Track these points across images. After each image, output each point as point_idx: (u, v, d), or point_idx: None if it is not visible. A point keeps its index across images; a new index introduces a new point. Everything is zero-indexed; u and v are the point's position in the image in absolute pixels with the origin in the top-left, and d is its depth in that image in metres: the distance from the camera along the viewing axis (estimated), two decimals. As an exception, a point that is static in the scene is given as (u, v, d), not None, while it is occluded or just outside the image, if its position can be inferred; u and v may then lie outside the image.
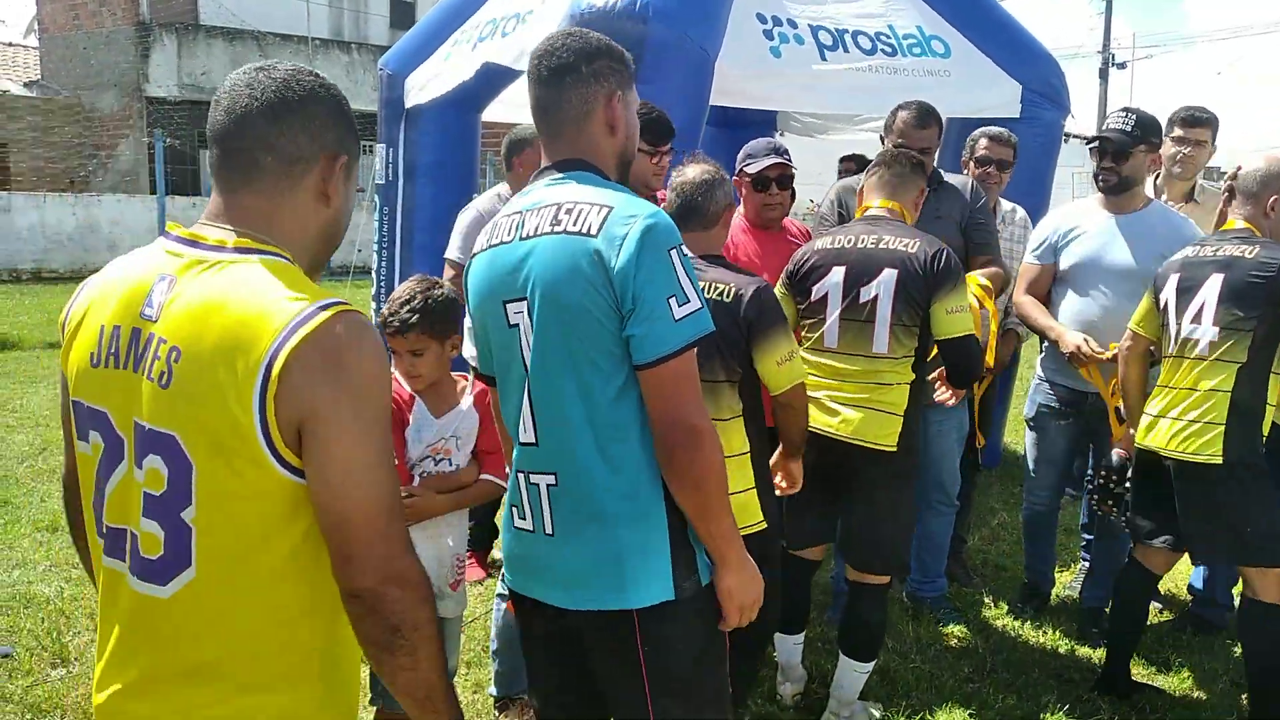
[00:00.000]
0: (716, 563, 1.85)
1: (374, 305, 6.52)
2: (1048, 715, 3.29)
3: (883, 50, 5.07)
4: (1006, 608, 4.09)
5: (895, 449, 3.00)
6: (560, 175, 1.85)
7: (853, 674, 3.14)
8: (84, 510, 1.43)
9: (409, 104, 6.20)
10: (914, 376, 3.03)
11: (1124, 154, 3.63)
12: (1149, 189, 3.99)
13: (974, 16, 5.31)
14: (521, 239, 1.80)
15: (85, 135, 19.78)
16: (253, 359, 1.24)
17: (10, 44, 23.25)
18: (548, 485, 1.83)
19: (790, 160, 3.49)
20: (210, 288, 1.29)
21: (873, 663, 3.17)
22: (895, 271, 2.97)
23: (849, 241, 3.09)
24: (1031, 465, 4.00)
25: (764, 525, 2.64)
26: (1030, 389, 4.01)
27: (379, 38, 22.40)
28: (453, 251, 4.10)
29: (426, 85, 5.88)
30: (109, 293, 1.38)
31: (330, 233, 1.45)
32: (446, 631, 2.61)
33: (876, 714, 3.25)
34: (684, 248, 1.76)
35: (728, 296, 2.58)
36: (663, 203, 2.75)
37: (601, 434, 1.77)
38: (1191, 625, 3.93)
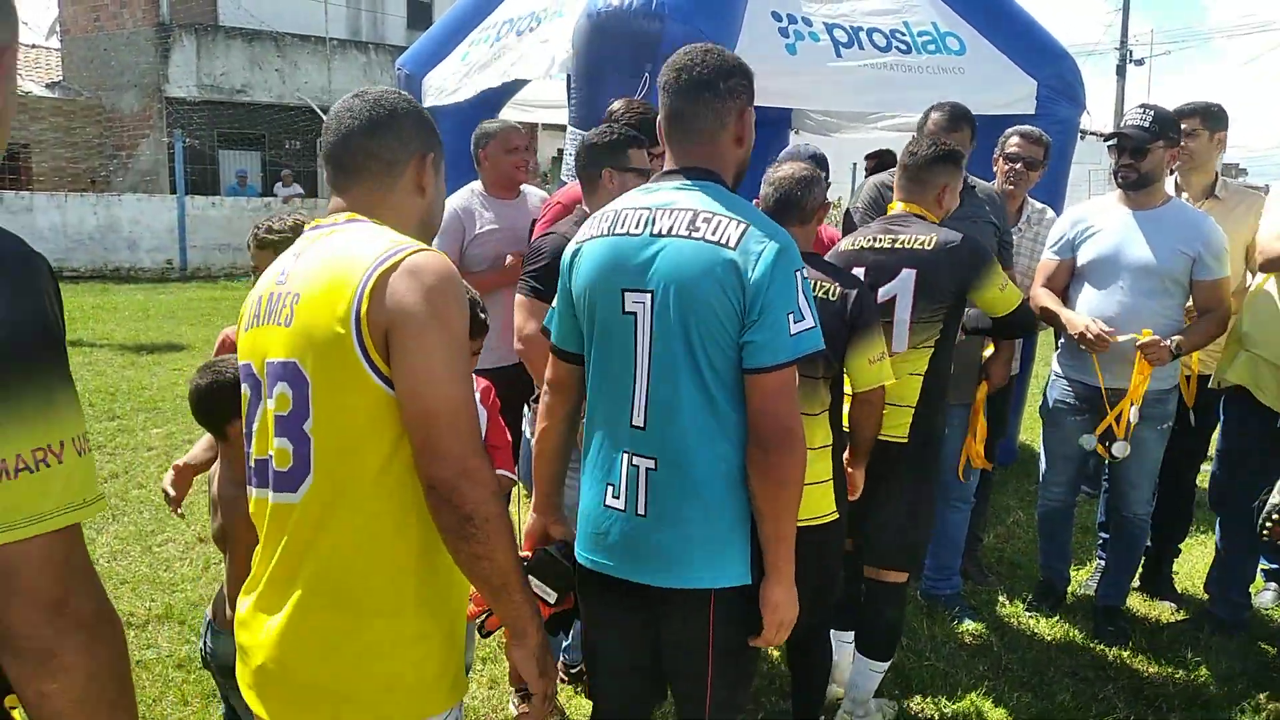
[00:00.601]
0: (769, 571, 1.96)
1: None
2: (1063, 714, 3.28)
3: (898, 47, 5.06)
4: (1022, 605, 4.08)
5: (906, 440, 3.01)
6: (689, 182, 2.00)
7: (869, 673, 3.13)
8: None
9: (427, 104, 6.23)
10: (927, 367, 3.04)
11: (1142, 150, 3.61)
12: (1169, 188, 3.98)
13: (989, 13, 5.29)
14: (652, 235, 1.95)
15: (106, 135, 19.95)
16: (352, 283, 1.47)
17: (33, 46, 23.47)
18: (648, 469, 1.96)
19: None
20: (324, 246, 1.58)
21: (889, 661, 3.16)
22: (914, 271, 3.02)
23: (868, 242, 3.13)
24: (1046, 461, 3.98)
25: (836, 516, 2.70)
26: (1047, 384, 3.99)
27: (396, 38, 22.48)
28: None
29: (458, 89, 5.90)
30: (269, 276, 1.66)
31: (427, 218, 1.71)
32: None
33: (891, 712, 3.25)
34: (805, 270, 1.94)
35: (833, 296, 2.72)
36: None
37: (706, 427, 1.92)
38: (1209, 625, 3.91)
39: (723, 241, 1.89)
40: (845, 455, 2.87)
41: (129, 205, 16.37)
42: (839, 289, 2.73)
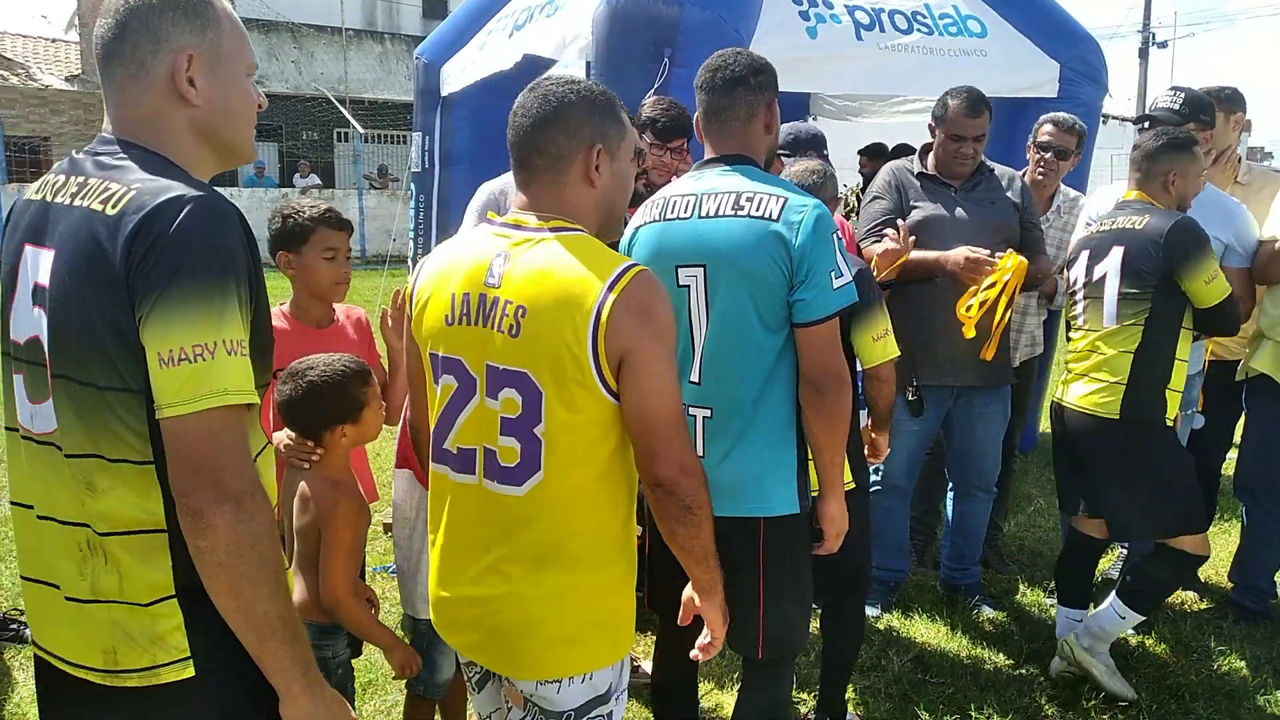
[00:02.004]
0: (824, 491, 2.34)
1: (410, 293, 6.57)
2: (1086, 703, 3.26)
3: (919, 29, 5.01)
4: (1043, 594, 4.06)
5: (1118, 417, 3.15)
6: (728, 167, 2.30)
7: (1116, 616, 3.27)
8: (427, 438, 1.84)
9: (445, 93, 6.23)
10: (1138, 345, 3.14)
11: None
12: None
13: (1010, -6, 5.25)
14: (700, 217, 2.25)
15: (125, 127, 20.04)
16: (585, 310, 1.61)
17: (53, 40, 23.60)
18: (704, 418, 2.27)
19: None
20: (538, 258, 1.67)
21: (1140, 617, 3.32)
22: (1122, 248, 3.19)
23: (1097, 227, 3.34)
24: None
25: (854, 486, 2.83)
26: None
27: (411, 28, 22.49)
28: (467, 225, 4.14)
29: (465, 70, 5.90)
30: (453, 269, 1.76)
31: (604, 205, 1.79)
32: None
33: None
34: (838, 232, 2.22)
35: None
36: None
37: (758, 377, 2.23)
38: (1233, 613, 3.87)
39: (766, 215, 2.18)
40: (865, 424, 3.07)
41: (148, 196, 16.42)
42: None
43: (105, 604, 1.38)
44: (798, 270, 2.16)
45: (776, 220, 2.16)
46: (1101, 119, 5.78)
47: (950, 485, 4.05)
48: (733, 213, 2.20)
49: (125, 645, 1.38)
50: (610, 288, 1.61)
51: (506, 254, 1.70)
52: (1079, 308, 3.32)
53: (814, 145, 3.57)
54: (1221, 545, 4.55)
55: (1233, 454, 4.18)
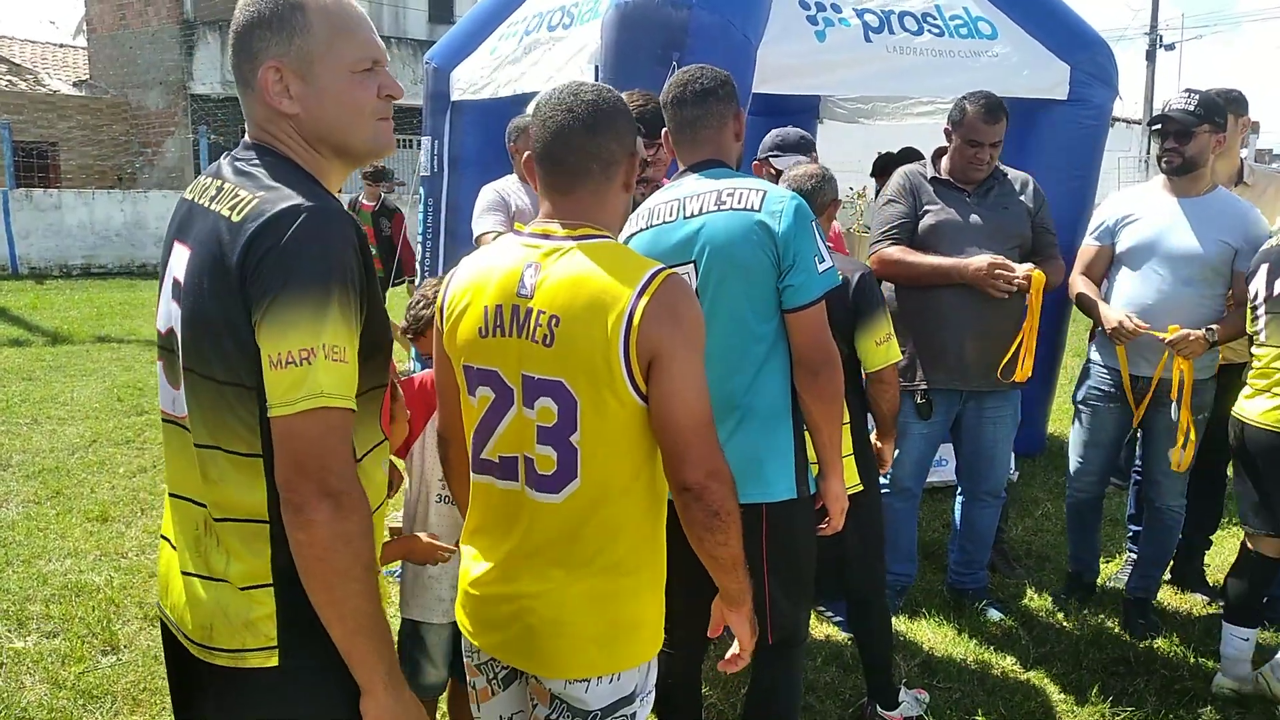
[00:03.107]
0: (825, 471, 2.42)
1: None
2: (1093, 707, 3.25)
3: (930, 31, 5.00)
4: (1050, 599, 4.04)
5: None
6: (705, 172, 2.40)
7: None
8: (461, 450, 1.89)
9: (454, 98, 6.24)
10: None
11: (1187, 134, 3.55)
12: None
13: (1020, -3, 5.24)
14: (685, 218, 2.34)
15: (132, 133, 20.12)
16: (617, 314, 1.63)
17: (61, 45, 23.71)
18: None
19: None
20: (570, 267, 1.68)
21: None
22: None
23: (1278, 241, 3.29)
24: (1079, 450, 3.92)
25: (861, 487, 2.88)
26: (1081, 371, 3.94)
27: (417, 32, 22.53)
28: (480, 226, 4.15)
29: (487, 84, 5.89)
30: (484, 281, 1.77)
31: (626, 209, 1.86)
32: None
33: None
34: (816, 220, 2.34)
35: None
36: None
37: (752, 365, 2.30)
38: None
39: (749, 207, 2.28)
40: (872, 436, 3.11)
41: (155, 202, 16.49)
42: (841, 274, 2.81)
43: (212, 582, 1.47)
44: (784, 257, 2.25)
45: (759, 211, 2.27)
46: (1109, 122, 5.76)
47: (958, 490, 4.05)
48: (716, 208, 2.31)
49: (221, 624, 1.46)
50: (641, 291, 1.63)
51: (537, 264, 1.71)
52: (1260, 323, 3.25)
53: (801, 148, 3.55)
54: (1230, 550, 4.53)
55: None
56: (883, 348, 2.90)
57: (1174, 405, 3.53)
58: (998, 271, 3.50)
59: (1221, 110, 3.64)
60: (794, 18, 4.78)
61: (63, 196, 16.12)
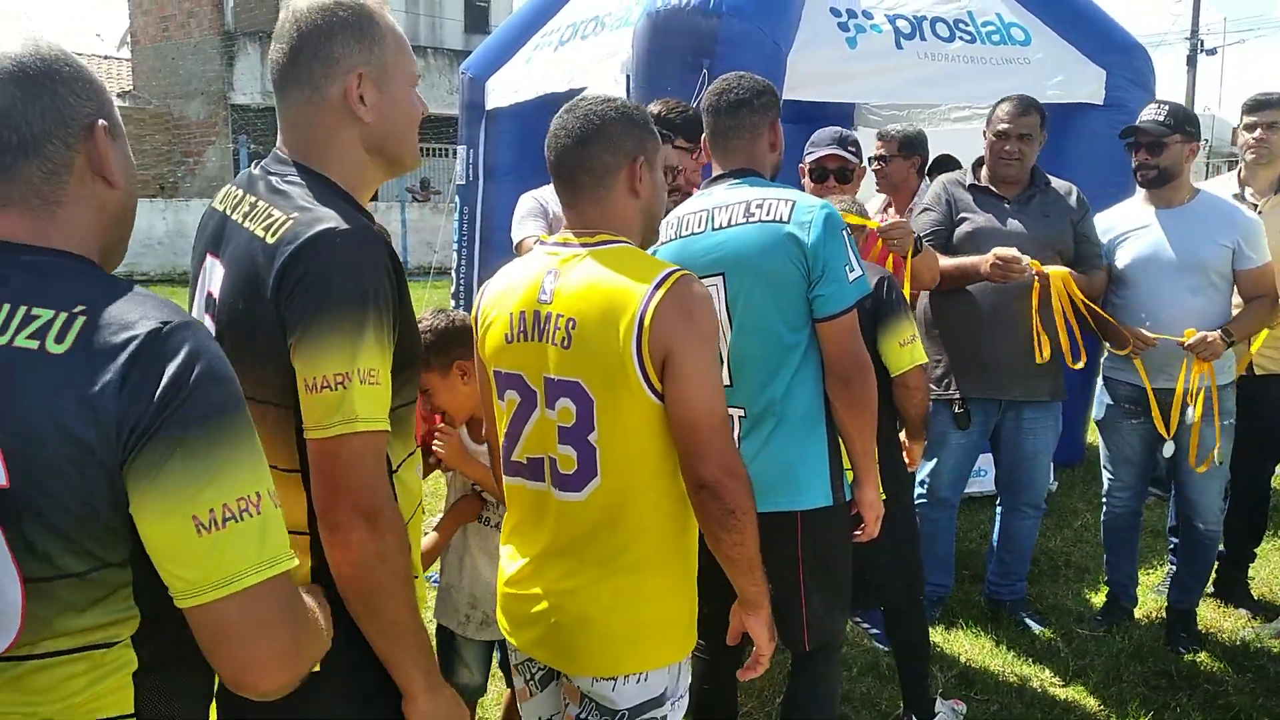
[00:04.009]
0: (860, 478, 2.42)
1: (452, 304, 6.63)
2: (1135, 721, 3.20)
3: (962, 37, 4.97)
4: (1090, 611, 3.98)
5: None
6: (736, 180, 2.41)
7: None
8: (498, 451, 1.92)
9: (490, 106, 6.29)
10: None
11: (1159, 145, 3.54)
12: (1233, 184, 3.91)
13: (1054, 2, 5.19)
14: (714, 229, 2.34)
15: (174, 142, 20.47)
16: (630, 314, 1.67)
17: (105, 57, 24.18)
18: (739, 417, 2.34)
19: (856, 153, 3.46)
20: (586, 272, 1.75)
21: None
22: None
23: None
24: (1109, 467, 3.87)
25: (884, 497, 2.80)
26: (1097, 390, 3.89)
27: (454, 42, 22.74)
28: (520, 232, 4.17)
29: (518, 89, 5.95)
30: (511, 289, 1.84)
31: (646, 214, 1.87)
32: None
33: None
34: (847, 229, 2.32)
35: None
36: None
37: (785, 375, 2.31)
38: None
39: (778, 219, 2.28)
40: (902, 435, 3.08)
41: (197, 210, 16.74)
42: None
43: None
44: (814, 267, 2.26)
45: (788, 222, 2.27)
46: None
47: (998, 500, 4.00)
48: (745, 220, 2.31)
49: None
50: (653, 291, 1.68)
51: (556, 271, 1.78)
52: None
53: (834, 141, 3.49)
54: (1276, 563, 4.44)
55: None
56: (906, 349, 2.84)
57: (1188, 409, 3.48)
58: (1000, 259, 3.40)
59: (1193, 119, 3.64)
60: (825, 24, 4.77)
61: (106, 206, 16.38)
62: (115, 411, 1.02)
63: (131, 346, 1.04)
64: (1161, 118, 3.56)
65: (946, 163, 5.93)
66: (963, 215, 3.67)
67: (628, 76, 4.85)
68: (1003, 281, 3.43)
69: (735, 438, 2.30)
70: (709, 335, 1.72)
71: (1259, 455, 3.93)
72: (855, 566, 2.70)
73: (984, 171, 3.74)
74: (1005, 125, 3.60)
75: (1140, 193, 3.74)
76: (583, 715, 1.82)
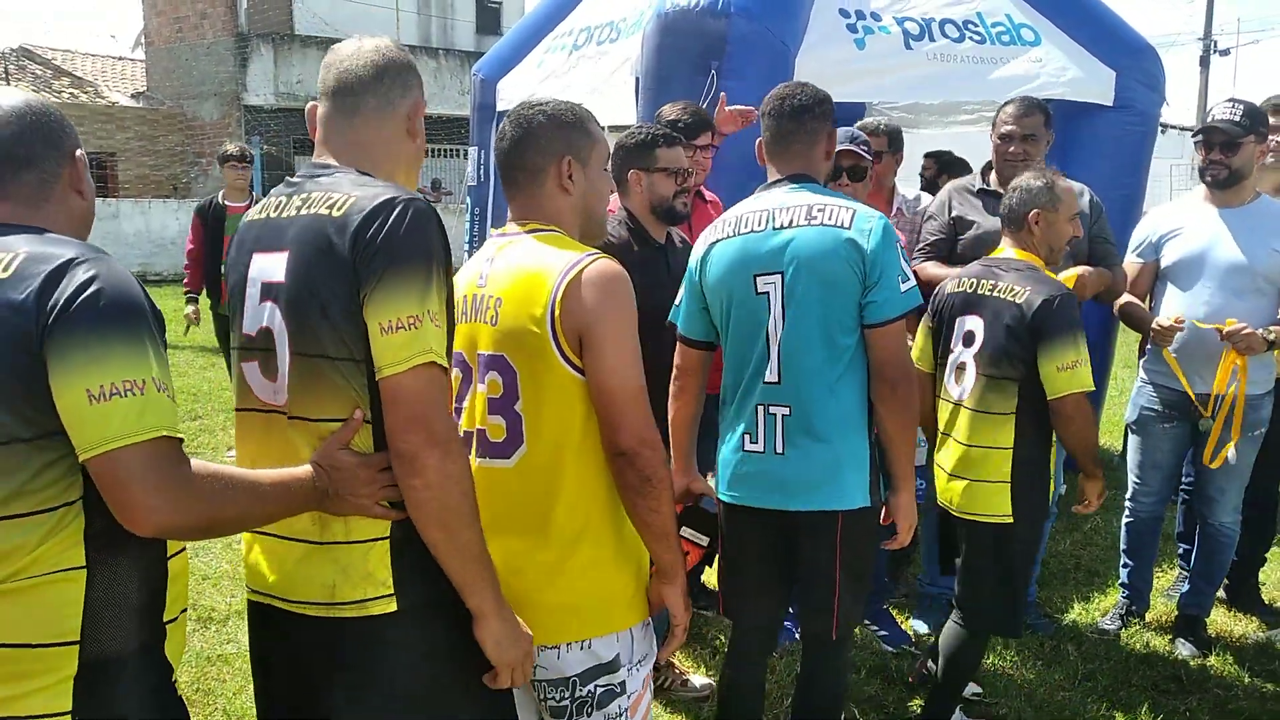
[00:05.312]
0: (897, 484, 2.46)
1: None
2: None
3: (971, 38, 4.96)
4: (1099, 614, 3.97)
5: None
6: (795, 185, 2.50)
7: None
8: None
9: (501, 108, 6.30)
10: None
11: (1233, 145, 3.49)
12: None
13: (1063, 3, 5.17)
14: (775, 229, 2.42)
15: (187, 143, 20.57)
16: (545, 292, 1.80)
17: (119, 58, 24.31)
18: (783, 415, 2.41)
19: (867, 151, 3.45)
20: (514, 254, 1.90)
21: None
22: None
23: None
24: (1136, 471, 3.84)
25: (1009, 520, 2.85)
26: (1133, 392, 3.87)
27: (465, 43, 22.78)
28: None
29: (531, 91, 5.95)
30: (466, 276, 1.99)
31: (582, 210, 2.00)
32: None
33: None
34: (900, 242, 2.43)
35: (1018, 298, 2.83)
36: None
37: (831, 375, 2.38)
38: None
39: (839, 224, 2.37)
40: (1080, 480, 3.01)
41: (209, 211, 16.82)
42: (1026, 292, 2.81)
43: (331, 545, 1.63)
44: (870, 274, 2.34)
45: (849, 229, 2.36)
46: (1160, 128, 5.66)
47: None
48: (806, 222, 2.40)
49: (343, 580, 1.62)
50: (568, 271, 1.81)
51: (493, 257, 1.95)
52: None
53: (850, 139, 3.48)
54: (1287, 566, 4.42)
55: None
56: (1065, 374, 2.75)
57: (1215, 412, 3.46)
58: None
59: (1265, 119, 3.57)
60: (833, 25, 4.77)
61: (120, 205, 16.53)
62: (34, 311, 1.36)
63: (49, 269, 1.39)
64: (1237, 118, 3.49)
65: (956, 164, 5.92)
66: (971, 219, 3.66)
67: (636, 78, 4.85)
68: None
69: (780, 434, 2.41)
70: (624, 313, 1.82)
71: (1270, 459, 3.90)
72: (967, 583, 2.84)
73: (993, 175, 3.73)
74: (1009, 127, 3.59)
75: (1200, 190, 3.69)
76: (542, 698, 1.92)
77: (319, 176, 1.70)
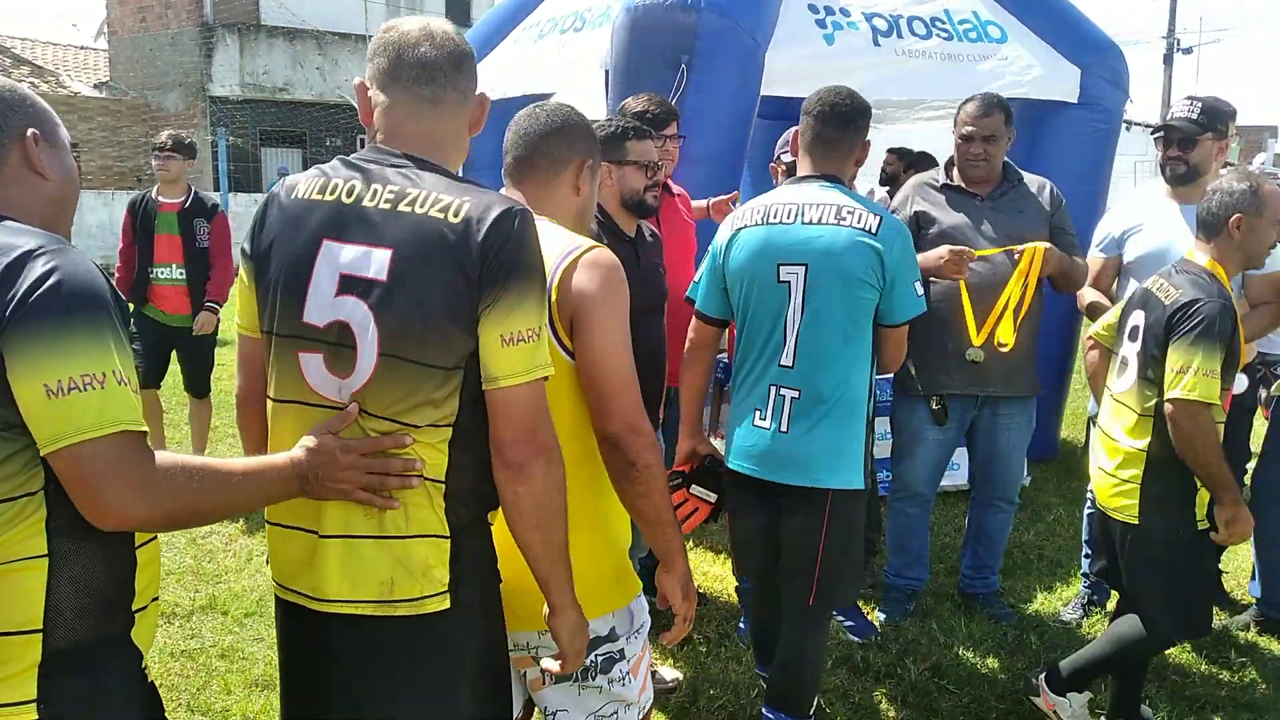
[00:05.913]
0: None
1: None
2: (1103, 711, 3.23)
3: (938, 35, 5.01)
4: (1061, 604, 4.03)
5: None
6: (828, 184, 2.71)
7: None
8: None
9: (468, 100, 6.27)
10: None
11: (1191, 142, 3.55)
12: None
13: (1030, 0, 5.23)
14: (804, 223, 2.64)
15: (151, 134, 20.17)
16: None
17: (82, 47, 23.91)
18: (792, 398, 2.64)
19: None
20: None
21: None
22: None
23: None
24: None
25: (1138, 523, 2.83)
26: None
27: (434, 35, 22.61)
28: None
29: (499, 84, 5.94)
30: None
31: (579, 215, 2.05)
32: None
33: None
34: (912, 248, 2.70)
35: (1167, 299, 2.80)
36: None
37: (842, 364, 2.63)
38: (1256, 624, 3.82)
39: (866, 229, 2.59)
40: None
41: (174, 202, 16.61)
42: (1179, 294, 2.77)
43: (390, 540, 1.62)
44: (888, 278, 2.59)
45: (875, 235, 2.58)
46: (1124, 125, 5.74)
47: (971, 494, 4.04)
48: (835, 222, 2.60)
49: (403, 576, 1.62)
50: (564, 257, 1.83)
51: None
52: None
53: None
54: (1245, 556, 4.50)
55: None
56: (1177, 377, 2.65)
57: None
58: (953, 254, 3.41)
59: (1224, 117, 3.64)
60: (802, 21, 4.80)
61: (83, 197, 16.23)
62: None
63: (7, 261, 1.35)
64: (1195, 115, 3.55)
65: (924, 160, 5.97)
66: (934, 216, 3.69)
67: (606, 72, 4.84)
68: (956, 276, 3.46)
69: (787, 414, 2.62)
70: (616, 299, 1.84)
71: (1232, 450, 3.96)
72: (1134, 595, 2.89)
73: (956, 171, 3.76)
74: (969, 128, 3.60)
75: (1161, 186, 3.75)
76: (540, 657, 1.89)
77: (400, 168, 1.64)
